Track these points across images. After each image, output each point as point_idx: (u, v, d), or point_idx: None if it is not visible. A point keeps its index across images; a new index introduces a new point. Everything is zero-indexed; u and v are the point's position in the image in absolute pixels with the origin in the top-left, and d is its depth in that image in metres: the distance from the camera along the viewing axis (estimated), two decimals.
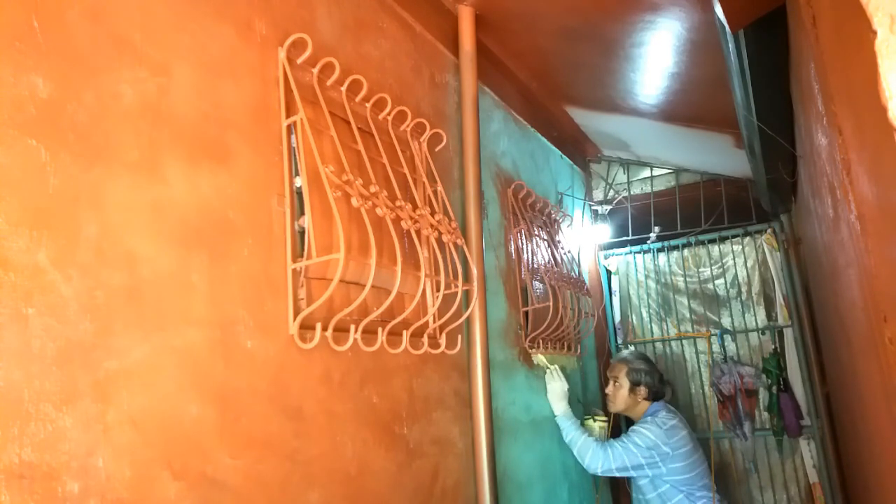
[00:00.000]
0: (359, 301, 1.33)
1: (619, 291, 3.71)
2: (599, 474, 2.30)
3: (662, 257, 3.63)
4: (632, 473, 2.30)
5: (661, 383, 2.49)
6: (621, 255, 3.70)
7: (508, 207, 2.40)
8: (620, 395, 2.47)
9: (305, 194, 1.31)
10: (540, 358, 2.38)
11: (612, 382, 2.53)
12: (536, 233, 2.57)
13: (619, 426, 3.10)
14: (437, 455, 1.67)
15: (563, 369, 2.66)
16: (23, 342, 0.82)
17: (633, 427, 2.36)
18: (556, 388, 2.37)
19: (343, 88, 1.49)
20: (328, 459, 1.29)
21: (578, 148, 3.49)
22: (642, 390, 2.45)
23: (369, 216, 1.33)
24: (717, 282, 3.47)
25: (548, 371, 2.40)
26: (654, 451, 2.23)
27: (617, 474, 2.30)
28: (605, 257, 3.71)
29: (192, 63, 1.14)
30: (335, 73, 1.42)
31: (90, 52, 0.97)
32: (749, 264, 3.38)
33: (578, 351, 2.83)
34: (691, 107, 2.69)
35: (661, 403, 2.45)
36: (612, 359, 2.68)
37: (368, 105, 1.58)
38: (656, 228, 3.49)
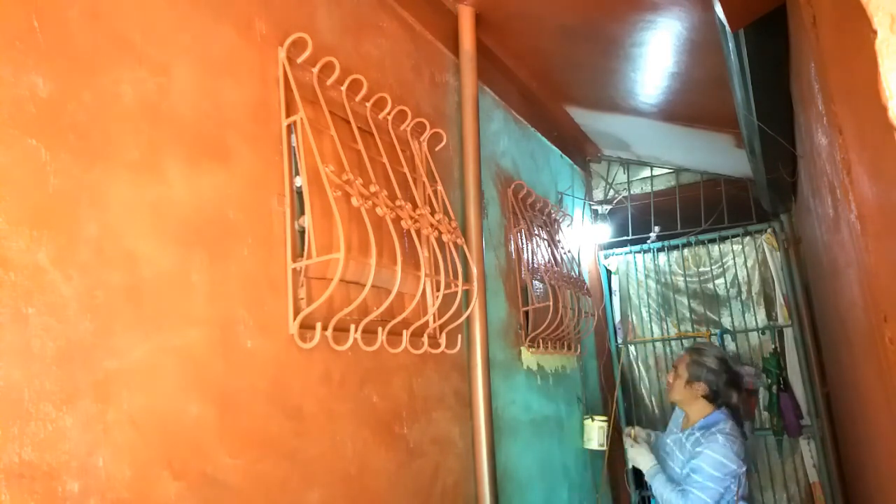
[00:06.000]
0: (359, 301, 1.33)
1: (619, 291, 3.71)
2: None
3: (662, 257, 3.63)
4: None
5: (727, 386, 2.21)
6: (621, 254, 3.70)
7: (508, 207, 2.40)
8: (677, 385, 2.28)
9: (305, 194, 1.31)
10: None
11: (673, 370, 2.36)
12: (536, 232, 2.57)
13: (619, 427, 3.10)
14: (437, 455, 1.67)
15: (562, 368, 2.66)
16: (23, 342, 0.82)
17: (705, 453, 2.03)
18: (635, 454, 2.28)
19: (343, 88, 1.49)
20: (328, 459, 1.29)
21: (578, 148, 3.49)
22: (701, 387, 2.21)
23: (369, 216, 1.33)
24: (717, 281, 3.48)
25: (625, 440, 2.34)
26: (730, 477, 2.01)
27: None
28: (605, 257, 3.71)
29: (192, 63, 1.14)
30: (335, 72, 1.42)
31: (90, 52, 0.97)
32: (749, 264, 3.38)
33: (578, 350, 2.84)
34: (691, 106, 2.69)
35: (725, 414, 2.17)
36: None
37: (368, 105, 1.58)
38: (656, 228, 3.49)
